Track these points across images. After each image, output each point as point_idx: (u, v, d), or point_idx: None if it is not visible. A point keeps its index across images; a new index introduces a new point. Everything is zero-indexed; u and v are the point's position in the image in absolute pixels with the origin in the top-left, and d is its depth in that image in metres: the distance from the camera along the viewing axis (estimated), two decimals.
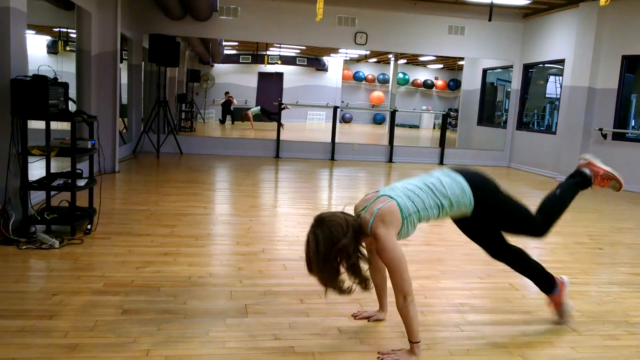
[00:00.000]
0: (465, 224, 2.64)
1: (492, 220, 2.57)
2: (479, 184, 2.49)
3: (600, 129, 8.46)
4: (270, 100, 16.47)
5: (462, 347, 2.51)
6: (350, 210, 2.46)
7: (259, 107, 17.21)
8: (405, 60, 21.16)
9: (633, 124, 9.05)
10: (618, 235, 5.15)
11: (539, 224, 2.62)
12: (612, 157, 8.37)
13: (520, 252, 2.75)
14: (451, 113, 19.80)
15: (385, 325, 2.71)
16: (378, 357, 2.31)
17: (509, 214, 2.57)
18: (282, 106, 10.37)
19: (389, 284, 2.41)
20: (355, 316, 2.75)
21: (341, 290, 2.33)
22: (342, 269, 2.30)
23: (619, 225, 5.64)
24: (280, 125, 10.13)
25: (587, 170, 2.73)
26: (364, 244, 2.41)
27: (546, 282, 2.77)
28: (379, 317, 2.72)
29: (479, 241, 2.72)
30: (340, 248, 2.23)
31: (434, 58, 18.61)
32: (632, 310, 3.13)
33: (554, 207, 2.68)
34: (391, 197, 2.33)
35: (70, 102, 4.17)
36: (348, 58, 21.60)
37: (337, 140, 10.24)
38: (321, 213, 2.35)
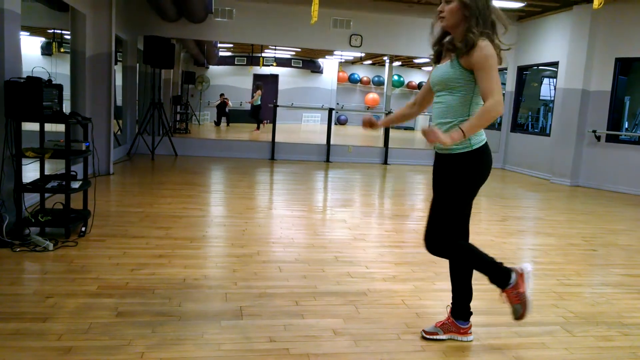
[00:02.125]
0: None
1: (443, 187, 2.44)
2: (487, 155, 2.42)
3: (594, 131, 8.51)
4: (265, 102, 16.45)
5: (457, 349, 2.52)
6: None
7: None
8: (400, 63, 21.21)
9: (626, 126, 9.11)
10: (611, 236, 5.18)
11: (447, 241, 2.44)
12: (606, 159, 8.45)
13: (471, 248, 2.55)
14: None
15: (382, 327, 2.71)
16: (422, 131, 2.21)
17: (451, 200, 2.41)
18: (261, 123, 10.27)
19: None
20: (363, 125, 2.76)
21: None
22: None
23: (612, 227, 5.67)
24: (260, 123, 10.06)
25: (514, 275, 2.44)
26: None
27: (498, 279, 2.49)
28: (373, 121, 2.73)
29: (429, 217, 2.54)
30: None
31: (428, 60, 18.67)
32: (626, 312, 3.15)
33: (469, 256, 2.48)
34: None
35: (64, 104, 4.16)
36: (343, 60, 21.64)
37: (332, 142, 10.25)
38: None
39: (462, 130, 2.20)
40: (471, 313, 2.62)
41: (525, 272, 2.45)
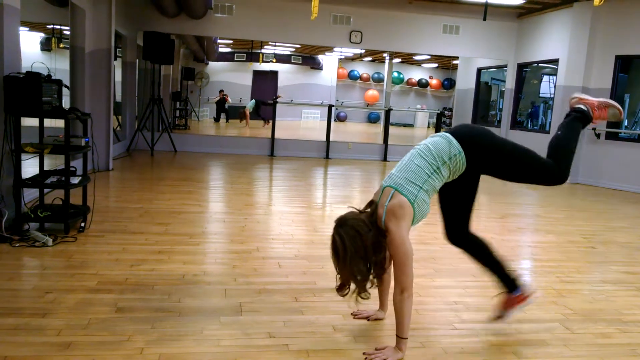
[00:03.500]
0: (449, 189, 2.54)
1: (496, 168, 2.43)
2: (464, 131, 2.43)
3: (594, 129, 8.51)
4: (265, 98, 16.45)
5: (456, 346, 2.52)
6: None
7: (253, 101, 17.06)
8: (400, 59, 21.20)
9: (626, 124, 9.11)
10: (611, 234, 5.18)
11: (554, 166, 2.42)
12: (605, 157, 8.45)
13: (482, 244, 2.65)
14: (445, 112, 19.88)
15: (380, 323, 2.71)
16: (365, 358, 2.31)
17: (513, 158, 2.42)
18: (275, 98, 10.34)
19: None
20: (354, 315, 2.75)
21: (364, 289, 2.34)
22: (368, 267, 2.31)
23: (612, 224, 5.67)
24: (266, 121, 10.11)
25: (582, 106, 2.56)
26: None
27: (507, 281, 2.66)
28: (378, 316, 2.73)
29: (447, 214, 2.63)
30: (370, 244, 2.26)
31: (428, 57, 18.66)
32: (625, 309, 3.15)
33: (563, 146, 2.48)
34: (393, 187, 2.32)
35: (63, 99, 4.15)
36: (343, 57, 21.62)
37: (331, 138, 10.25)
38: (340, 216, 2.35)
39: (400, 337, 2.31)
40: (515, 278, 2.67)
41: (577, 95, 2.62)
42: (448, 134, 2.40)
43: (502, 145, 2.44)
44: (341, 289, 2.38)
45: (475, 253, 2.68)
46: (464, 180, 2.50)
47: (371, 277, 2.35)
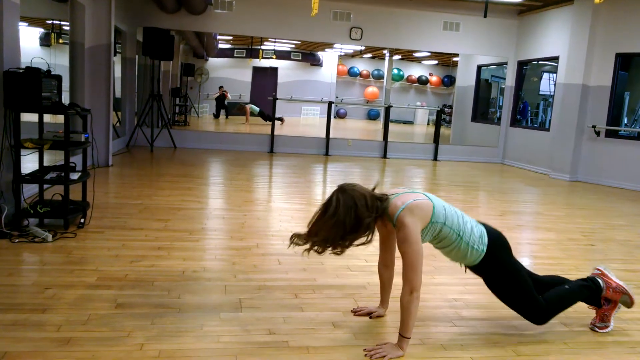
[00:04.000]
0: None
1: (496, 281, 2.54)
2: (496, 237, 2.51)
3: (594, 126, 8.51)
4: (265, 94, 16.42)
5: (456, 343, 2.52)
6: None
7: (258, 109, 16.98)
8: (400, 56, 21.15)
9: (626, 122, 9.11)
10: (610, 231, 5.19)
11: (542, 309, 2.56)
12: (605, 154, 8.45)
13: (557, 285, 2.72)
14: (445, 109, 19.84)
15: (381, 320, 2.71)
16: (365, 354, 2.31)
17: (514, 283, 2.52)
18: (279, 118, 10.32)
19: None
20: (355, 312, 2.75)
21: (321, 251, 2.35)
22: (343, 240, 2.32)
23: (611, 222, 5.68)
24: (275, 120, 10.14)
25: (600, 280, 2.70)
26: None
27: (593, 299, 2.75)
28: (379, 313, 2.73)
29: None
30: (358, 219, 2.25)
31: (428, 54, 18.62)
32: (624, 307, 3.14)
33: (562, 299, 2.64)
34: (429, 198, 2.35)
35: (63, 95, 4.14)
36: (343, 53, 21.58)
37: (331, 135, 10.24)
38: (348, 182, 2.36)
39: (403, 335, 2.32)
40: (598, 294, 2.73)
41: (602, 269, 2.71)
42: (484, 230, 2.48)
43: (514, 266, 2.53)
44: (301, 237, 2.35)
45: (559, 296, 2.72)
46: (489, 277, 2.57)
47: (332, 248, 2.34)
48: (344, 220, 2.25)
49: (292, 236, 2.38)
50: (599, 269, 2.75)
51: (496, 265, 2.49)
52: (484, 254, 2.45)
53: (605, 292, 2.69)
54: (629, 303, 2.70)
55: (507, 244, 2.57)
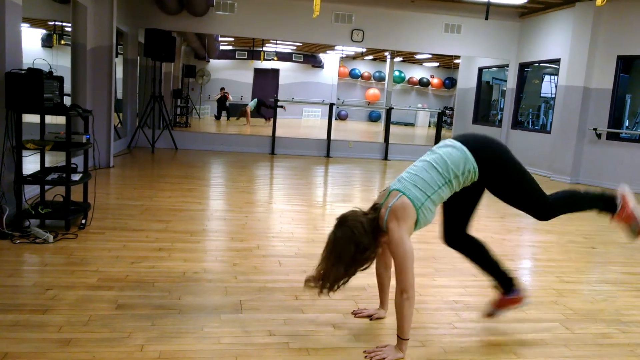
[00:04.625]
0: (454, 195, 2.53)
1: (501, 188, 2.46)
2: (482, 145, 2.42)
3: (595, 129, 8.50)
4: (266, 96, 16.44)
5: (457, 345, 2.52)
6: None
7: (255, 101, 17.03)
8: (401, 58, 21.18)
9: (627, 124, 9.11)
10: (611, 234, 5.18)
11: (549, 206, 2.49)
12: (606, 157, 8.45)
13: (479, 245, 2.67)
14: (446, 111, 19.86)
15: (381, 322, 2.71)
16: (365, 356, 2.32)
17: (521, 184, 2.45)
18: (280, 106, 10.34)
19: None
20: (355, 314, 2.75)
21: (328, 290, 2.38)
22: (349, 268, 2.35)
23: (612, 225, 5.66)
24: (267, 119, 10.11)
25: (619, 198, 2.58)
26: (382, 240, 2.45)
27: (504, 282, 2.68)
28: (380, 315, 2.73)
29: (448, 218, 2.64)
30: (359, 249, 2.30)
31: (430, 56, 18.65)
32: (625, 309, 3.15)
33: (572, 201, 2.55)
34: (400, 191, 2.33)
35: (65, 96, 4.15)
36: (344, 55, 21.61)
37: (332, 137, 10.24)
38: (343, 214, 2.40)
39: (401, 337, 2.32)
40: (512, 278, 2.68)
41: (626, 191, 2.59)
42: (465, 148, 2.38)
43: (515, 169, 2.45)
44: (315, 280, 2.39)
45: (471, 254, 2.69)
46: (470, 189, 2.51)
47: (339, 283, 2.38)
48: (347, 252, 2.30)
49: (306, 282, 2.43)
50: (624, 189, 2.60)
51: (496, 173, 2.42)
52: (478, 169, 2.37)
53: (619, 211, 2.56)
54: (636, 231, 2.57)
55: (496, 147, 2.46)
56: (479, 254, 2.68)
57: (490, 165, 2.39)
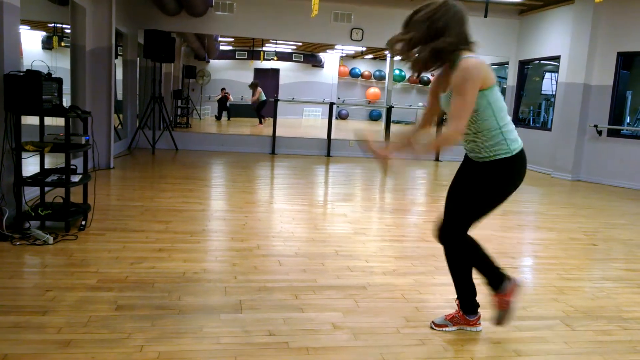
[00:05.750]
0: (460, 178, 2.54)
1: (474, 185, 2.43)
2: (523, 160, 2.40)
3: (596, 126, 8.49)
4: (267, 96, 16.39)
5: (457, 343, 2.52)
6: None
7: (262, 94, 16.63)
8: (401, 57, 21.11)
9: (628, 121, 9.09)
10: (612, 231, 5.17)
11: (458, 235, 2.44)
12: (607, 154, 8.43)
13: (475, 246, 2.53)
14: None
15: (381, 321, 2.71)
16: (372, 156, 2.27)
17: (479, 199, 2.40)
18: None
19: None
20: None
21: (404, 53, 2.31)
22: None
23: (612, 222, 5.66)
24: (261, 120, 10.06)
25: (510, 284, 2.46)
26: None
27: (495, 280, 2.52)
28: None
29: (448, 207, 2.57)
30: (445, 34, 2.23)
31: None
32: (626, 306, 3.14)
33: (472, 254, 2.48)
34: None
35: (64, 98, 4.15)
36: (344, 54, 21.57)
37: (333, 136, 10.24)
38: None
39: (424, 144, 2.32)
40: (478, 305, 2.62)
41: (519, 284, 2.51)
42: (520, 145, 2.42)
43: (491, 193, 2.41)
44: (397, 38, 2.32)
45: (457, 256, 2.59)
46: (471, 180, 2.47)
47: (407, 54, 2.30)
48: (434, 23, 2.23)
49: (389, 42, 2.34)
50: (516, 281, 2.51)
51: (497, 176, 2.36)
52: (510, 156, 2.33)
53: (503, 292, 2.45)
54: (500, 319, 2.49)
55: (522, 177, 2.41)
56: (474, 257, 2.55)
57: (505, 170, 2.36)
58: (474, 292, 2.61)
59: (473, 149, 2.43)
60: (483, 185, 2.40)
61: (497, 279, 2.47)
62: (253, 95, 16.22)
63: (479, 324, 2.64)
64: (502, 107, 2.34)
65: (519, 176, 2.42)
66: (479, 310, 2.64)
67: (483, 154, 2.38)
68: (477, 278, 2.58)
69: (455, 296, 2.67)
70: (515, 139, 2.37)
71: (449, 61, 2.28)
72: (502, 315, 2.50)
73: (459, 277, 2.61)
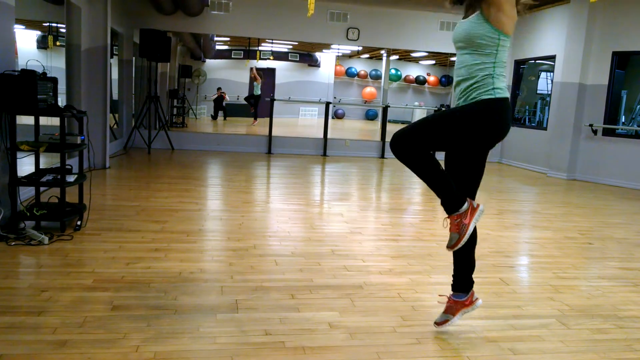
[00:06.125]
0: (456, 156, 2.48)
1: (447, 117, 2.39)
2: (504, 111, 2.30)
3: (591, 125, 8.52)
4: (263, 95, 16.37)
5: (453, 342, 2.52)
6: None
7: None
8: (397, 56, 21.17)
9: (623, 120, 9.12)
10: (607, 230, 5.19)
11: (414, 146, 2.30)
12: (602, 153, 8.46)
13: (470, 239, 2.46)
14: (443, 109, 19.86)
15: (377, 320, 2.71)
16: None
17: (440, 117, 2.40)
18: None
19: None
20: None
21: None
22: None
23: (608, 220, 5.68)
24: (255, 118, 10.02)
25: (466, 205, 2.37)
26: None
27: (465, 282, 2.55)
28: None
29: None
30: None
31: (426, 54, 18.63)
32: (621, 304, 3.16)
33: (430, 169, 2.33)
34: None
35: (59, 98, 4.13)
36: (340, 54, 21.58)
37: (329, 136, 10.24)
38: None
39: None
40: (472, 282, 2.59)
41: (479, 208, 2.39)
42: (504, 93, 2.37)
43: (453, 115, 2.35)
44: None
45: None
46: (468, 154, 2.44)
47: None
48: None
49: None
50: (477, 204, 2.41)
51: (470, 111, 2.28)
52: (494, 97, 2.26)
53: (458, 212, 2.35)
54: (454, 241, 2.36)
55: (494, 127, 2.31)
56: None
57: (473, 105, 2.29)
58: (471, 268, 2.57)
59: (465, 94, 2.33)
60: (456, 112, 2.32)
61: (454, 199, 2.35)
62: (252, 89, 16.09)
63: (476, 298, 2.59)
64: (504, 60, 2.33)
65: (495, 123, 2.30)
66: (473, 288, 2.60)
67: (472, 93, 2.30)
68: (476, 276, 2.59)
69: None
70: (503, 88, 2.31)
71: None
72: (454, 238, 2.37)
73: (460, 250, 2.48)
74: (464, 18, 2.40)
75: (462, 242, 2.36)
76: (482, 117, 2.28)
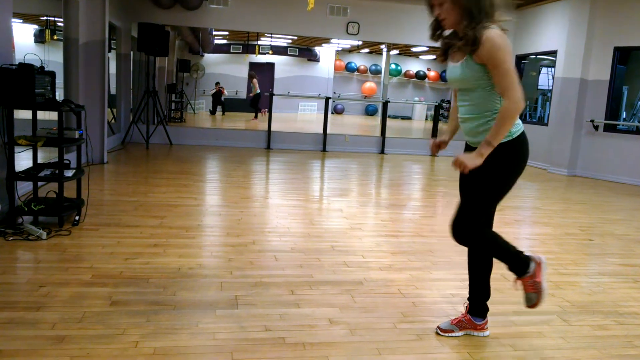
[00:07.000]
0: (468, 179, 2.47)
1: (480, 175, 2.33)
2: (525, 145, 2.39)
3: (592, 121, 8.49)
4: (262, 90, 16.33)
5: (453, 338, 2.51)
6: None
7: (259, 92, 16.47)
8: (397, 51, 21.12)
9: (624, 116, 9.10)
10: (608, 226, 5.18)
11: (477, 228, 2.38)
12: (603, 149, 8.44)
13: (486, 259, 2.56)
14: (443, 104, 19.83)
15: (377, 316, 2.70)
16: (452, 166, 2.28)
17: (490, 186, 2.35)
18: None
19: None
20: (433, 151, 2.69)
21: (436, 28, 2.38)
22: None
23: (608, 217, 5.67)
24: (256, 114, 10.02)
25: (533, 264, 2.41)
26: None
27: (480, 305, 2.57)
28: (444, 139, 2.64)
29: (460, 204, 2.49)
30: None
31: (426, 49, 18.58)
32: (622, 301, 3.15)
33: (494, 244, 2.42)
34: None
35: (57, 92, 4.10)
36: (340, 48, 21.52)
37: (328, 131, 10.21)
38: None
39: (489, 142, 2.22)
40: (487, 310, 2.58)
41: (542, 262, 2.45)
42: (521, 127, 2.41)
43: (500, 176, 2.36)
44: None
45: (475, 256, 2.57)
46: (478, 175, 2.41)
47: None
48: None
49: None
50: (540, 258, 2.46)
51: (500, 162, 2.30)
52: (511, 139, 2.29)
53: (527, 275, 2.40)
54: (532, 302, 2.41)
55: (526, 161, 2.41)
56: (479, 262, 2.57)
57: (508, 154, 2.32)
58: (487, 295, 2.57)
59: (473, 132, 2.37)
60: (487, 173, 2.33)
61: (521, 263, 2.42)
62: (250, 90, 16.22)
63: (487, 328, 2.58)
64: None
65: (521, 160, 2.39)
66: (488, 316, 2.59)
67: (483, 137, 2.31)
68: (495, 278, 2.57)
69: (465, 299, 2.62)
70: (516, 122, 2.33)
71: (471, 29, 2.21)
72: (532, 297, 2.42)
73: (476, 277, 2.56)
74: (453, 61, 2.38)
75: (543, 299, 2.41)
76: (513, 162, 2.35)
